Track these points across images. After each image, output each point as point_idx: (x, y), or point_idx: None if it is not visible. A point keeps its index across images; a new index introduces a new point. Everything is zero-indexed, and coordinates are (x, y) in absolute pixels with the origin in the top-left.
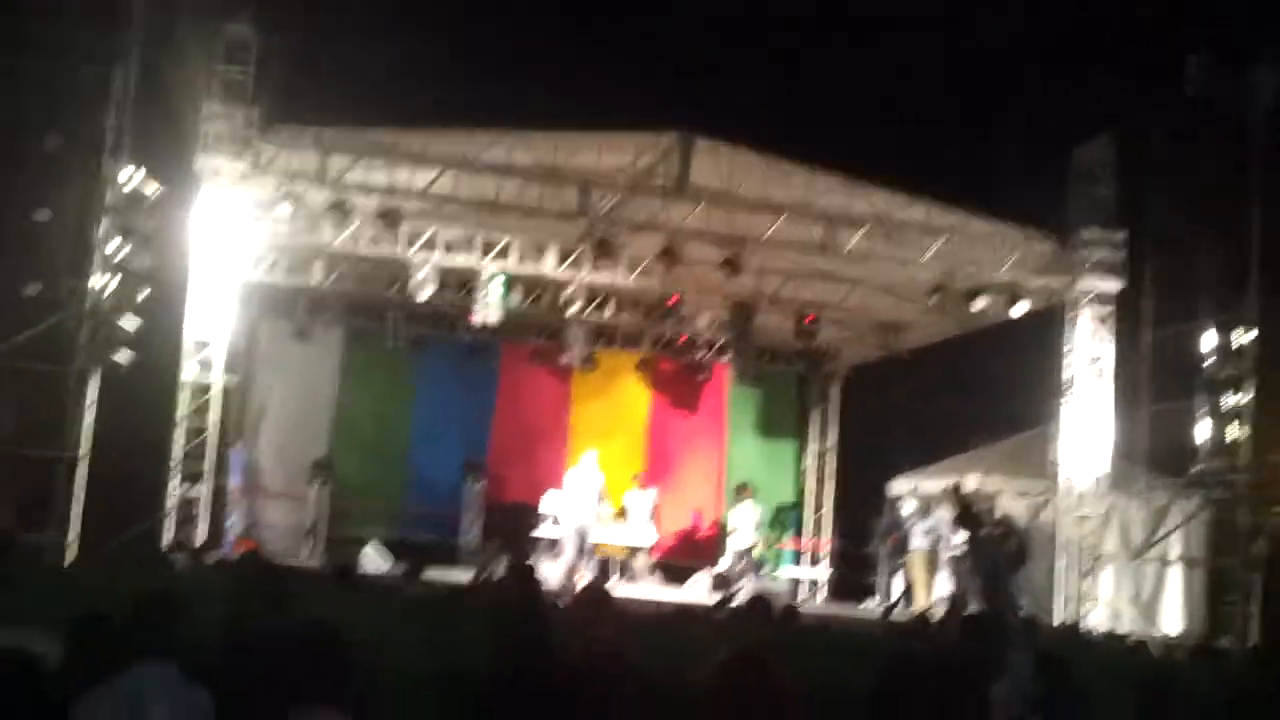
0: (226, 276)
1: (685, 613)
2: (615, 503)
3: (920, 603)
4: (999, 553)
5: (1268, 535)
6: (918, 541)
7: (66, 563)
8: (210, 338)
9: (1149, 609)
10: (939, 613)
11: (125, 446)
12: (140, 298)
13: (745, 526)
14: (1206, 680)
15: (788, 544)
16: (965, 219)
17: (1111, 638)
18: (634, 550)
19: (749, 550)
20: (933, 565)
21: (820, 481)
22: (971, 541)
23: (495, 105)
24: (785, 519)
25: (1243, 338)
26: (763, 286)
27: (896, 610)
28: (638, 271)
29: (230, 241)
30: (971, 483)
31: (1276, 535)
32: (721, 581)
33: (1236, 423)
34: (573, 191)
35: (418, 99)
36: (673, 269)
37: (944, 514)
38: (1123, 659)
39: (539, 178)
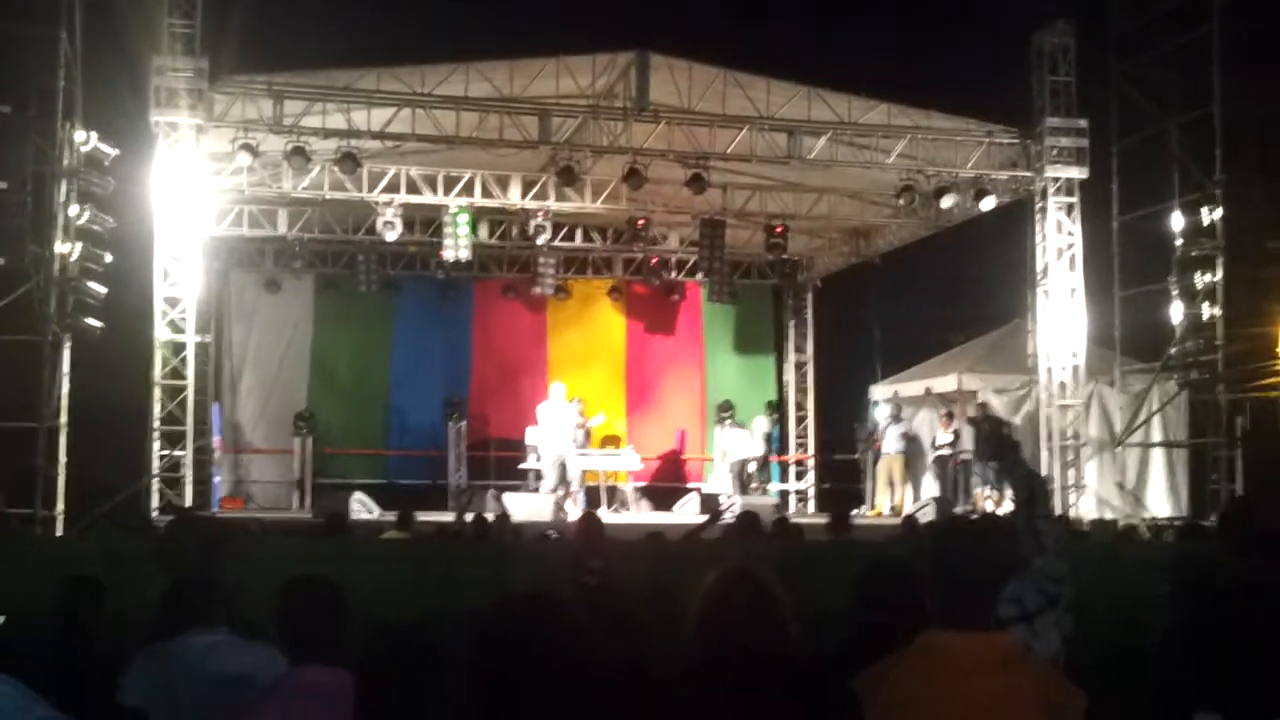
0: (191, 233)
1: (668, 535)
2: (610, 428)
3: (892, 503)
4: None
5: (1247, 412)
6: (892, 444)
7: (58, 534)
8: (180, 295)
9: (1135, 494)
10: (928, 515)
11: (104, 413)
12: (105, 260)
13: (741, 443)
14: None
15: (772, 458)
16: (927, 117)
17: (1101, 524)
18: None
19: (747, 461)
20: (907, 467)
21: (801, 393)
22: (1009, 464)
23: (448, 37)
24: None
25: (1211, 215)
26: (730, 202)
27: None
28: (604, 196)
29: (192, 197)
30: (951, 382)
31: (1256, 412)
32: (711, 501)
33: (1209, 302)
34: (532, 120)
35: (368, 36)
36: (638, 191)
37: (923, 416)
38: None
39: (497, 108)
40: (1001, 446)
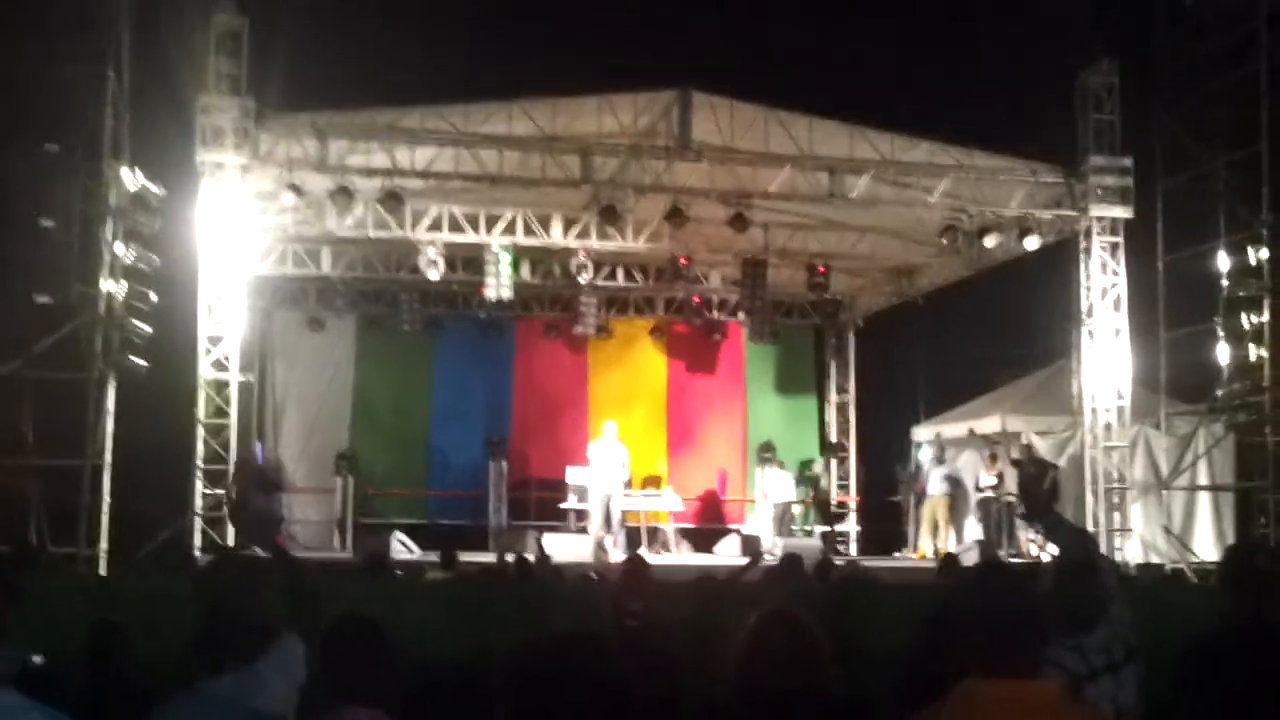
0: (235, 271)
1: (717, 576)
2: (651, 468)
3: (935, 546)
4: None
5: None
6: (936, 486)
7: (101, 572)
8: (224, 334)
9: (1181, 538)
10: (970, 558)
11: (148, 450)
12: (151, 299)
13: (783, 485)
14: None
15: (813, 500)
16: (970, 156)
17: (1147, 569)
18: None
19: (789, 506)
20: (952, 510)
21: (843, 434)
22: (1050, 525)
23: (490, 76)
24: (810, 475)
25: (1258, 254)
26: (772, 241)
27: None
28: (645, 235)
29: (236, 236)
30: (994, 423)
31: None
32: (751, 543)
33: (1256, 343)
34: (574, 159)
35: (411, 76)
36: (680, 230)
37: (966, 458)
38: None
39: (539, 147)
40: (1036, 508)
